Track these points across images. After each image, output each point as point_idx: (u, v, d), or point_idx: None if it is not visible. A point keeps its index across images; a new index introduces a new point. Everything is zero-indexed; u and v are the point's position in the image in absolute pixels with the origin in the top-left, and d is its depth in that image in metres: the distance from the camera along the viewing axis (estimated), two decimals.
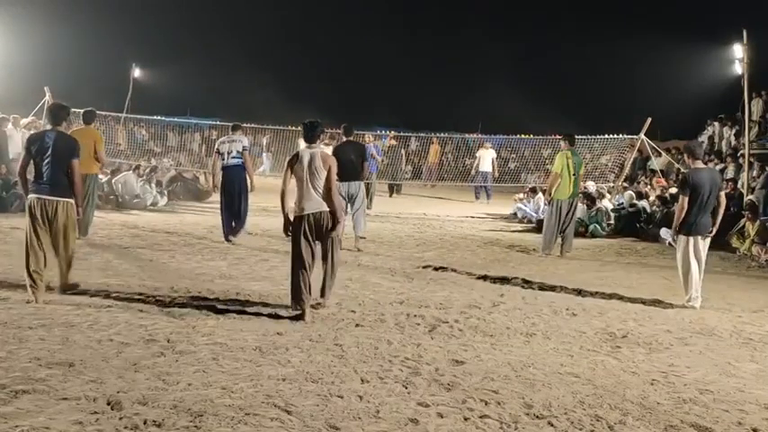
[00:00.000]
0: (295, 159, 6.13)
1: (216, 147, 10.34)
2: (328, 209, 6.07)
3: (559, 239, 10.32)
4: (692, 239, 7.10)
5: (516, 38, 33.85)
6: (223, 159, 10.00)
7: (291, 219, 6.16)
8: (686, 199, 7.02)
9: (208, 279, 7.39)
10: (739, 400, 4.45)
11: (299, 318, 5.92)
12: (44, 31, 22.80)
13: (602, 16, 31.36)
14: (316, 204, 6.04)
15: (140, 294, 6.50)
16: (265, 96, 29.31)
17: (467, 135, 24.13)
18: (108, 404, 3.86)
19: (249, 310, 6.12)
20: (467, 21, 36.71)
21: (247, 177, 10.02)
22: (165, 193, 15.48)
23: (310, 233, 6.07)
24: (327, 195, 6.07)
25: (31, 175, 6.32)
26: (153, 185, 14.96)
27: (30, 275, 6.08)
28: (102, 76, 25.59)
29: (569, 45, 31.94)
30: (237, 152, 9.95)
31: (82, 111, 9.84)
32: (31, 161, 6.26)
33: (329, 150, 9.13)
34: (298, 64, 35.54)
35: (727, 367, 5.15)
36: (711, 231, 7.23)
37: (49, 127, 6.63)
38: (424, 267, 8.77)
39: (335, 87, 32.30)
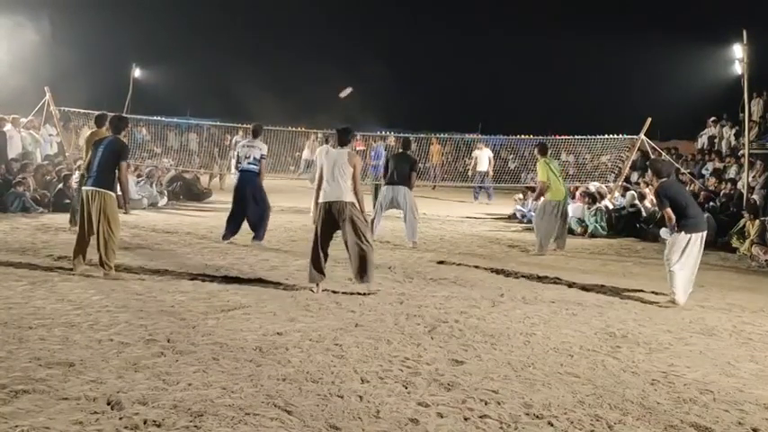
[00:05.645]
0: (323, 156, 7.05)
1: (236, 149, 10.41)
2: (347, 200, 6.86)
3: (555, 239, 10.53)
4: (690, 236, 7.12)
5: (516, 37, 33.83)
6: (239, 163, 10.06)
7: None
8: (669, 210, 7.11)
9: (207, 279, 7.40)
10: (739, 400, 4.45)
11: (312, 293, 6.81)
12: (44, 30, 22.77)
13: (602, 16, 31.36)
14: (335, 194, 6.87)
15: (140, 294, 6.51)
16: (265, 97, 29.28)
17: (467, 135, 24.11)
18: (108, 404, 3.86)
19: (249, 309, 6.12)
20: (466, 20, 36.71)
21: (260, 182, 10.05)
22: (165, 193, 15.49)
23: (328, 218, 6.91)
24: (352, 189, 6.91)
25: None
26: (153, 185, 14.97)
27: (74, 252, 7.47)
28: (102, 76, 25.57)
29: (568, 45, 31.92)
30: (255, 158, 9.95)
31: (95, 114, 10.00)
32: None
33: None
34: (298, 64, 35.52)
35: (727, 367, 5.15)
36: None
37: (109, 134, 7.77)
38: (424, 267, 8.77)
39: (335, 87, 32.27)
